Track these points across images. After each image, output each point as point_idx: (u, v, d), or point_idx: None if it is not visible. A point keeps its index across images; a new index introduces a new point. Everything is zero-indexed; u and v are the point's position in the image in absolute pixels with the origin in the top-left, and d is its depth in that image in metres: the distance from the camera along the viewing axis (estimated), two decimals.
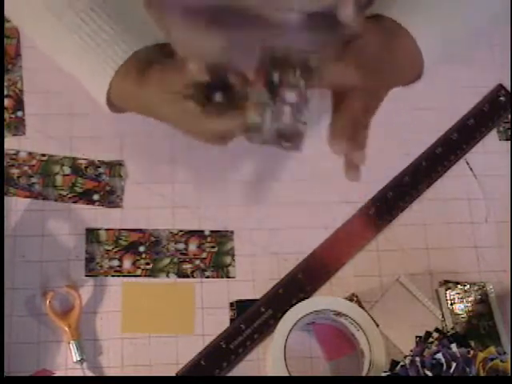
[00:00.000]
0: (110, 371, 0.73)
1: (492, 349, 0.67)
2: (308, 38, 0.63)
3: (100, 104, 0.68)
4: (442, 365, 0.66)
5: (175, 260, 0.77)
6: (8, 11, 0.71)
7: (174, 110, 0.64)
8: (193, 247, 0.78)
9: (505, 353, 0.68)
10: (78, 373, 0.72)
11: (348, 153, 0.65)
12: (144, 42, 0.66)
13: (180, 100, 0.63)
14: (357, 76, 0.64)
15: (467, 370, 0.66)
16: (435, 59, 0.71)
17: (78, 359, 0.72)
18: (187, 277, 0.77)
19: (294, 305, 0.73)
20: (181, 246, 0.78)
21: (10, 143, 0.80)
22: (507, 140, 0.85)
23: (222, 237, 0.79)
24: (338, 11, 0.62)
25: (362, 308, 0.75)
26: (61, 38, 0.66)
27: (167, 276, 0.77)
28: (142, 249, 0.77)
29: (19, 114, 0.81)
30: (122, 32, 0.65)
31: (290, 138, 0.62)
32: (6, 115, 0.80)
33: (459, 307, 0.77)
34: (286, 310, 0.72)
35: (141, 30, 0.67)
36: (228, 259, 0.78)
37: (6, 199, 0.77)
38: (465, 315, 0.77)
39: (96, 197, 0.79)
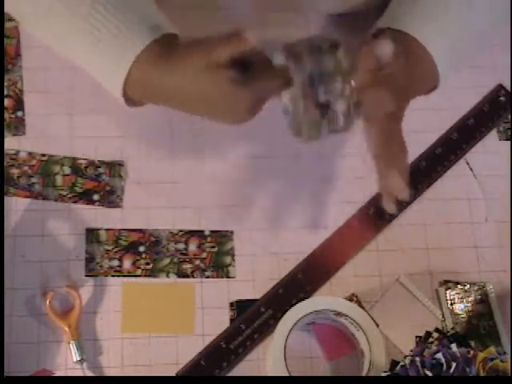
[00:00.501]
0: (110, 371, 0.73)
1: (492, 349, 0.67)
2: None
3: (115, 97, 0.67)
4: (441, 365, 0.66)
5: (175, 260, 0.77)
6: (13, 9, 0.71)
7: (213, 81, 0.63)
8: (193, 247, 0.78)
9: (505, 353, 0.68)
10: (78, 373, 0.72)
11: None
12: (160, 31, 0.65)
13: (219, 70, 0.63)
14: (395, 102, 0.65)
15: (467, 369, 0.66)
16: (448, 68, 0.71)
17: (78, 359, 0.72)
18: (187, 277, 0.77)
19: (294, 305, 0.73)
20: (181, 245, 0.78)
21: (10, 143, 0.80)
22: (507, 140, 0.85)
23: (221, 237, 0.79)
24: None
25: (362, 308, 0.75)
26: (73, 30, 0.65)
27: (167, 276, 0.77)
28: (142, 249, 0.77)
29: (19, 113, 0.81)
30: (138, 22, 0.65)
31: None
32: (6, 115, 0.80)
33: (459, 307, 0.77)
34: (286, 310, 0.72)
35: (156, 20, 0.66)
36: (228, 259, 0.78)
37: (6, 199, 0.77)
38: (465, 315, 0.77)
39: (96, 197, 0.79)
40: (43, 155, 0.80)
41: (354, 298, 0.77)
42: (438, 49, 0.70)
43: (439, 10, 0.71)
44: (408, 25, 0.70)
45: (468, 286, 0.78)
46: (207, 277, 0.77)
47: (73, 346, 0.72)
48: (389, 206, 0.69)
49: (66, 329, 0.73)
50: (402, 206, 0.81)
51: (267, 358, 0.74)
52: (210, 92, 0.64)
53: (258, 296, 0.77)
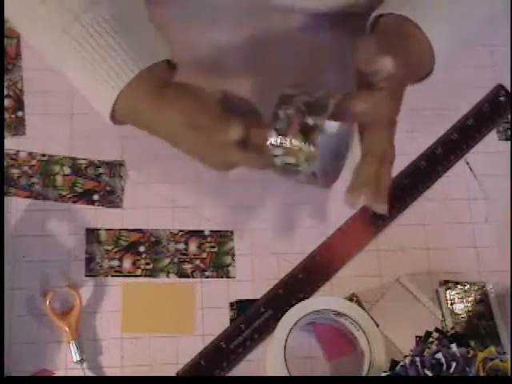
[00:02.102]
0: (110, 371, 0.73)
1: (492, 349, 0.67)
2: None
3: (103, 119, 0.68)
4: (441, 365, 0.66)
5: (175, 260, 0.77)
6: (12, 22, 0.71)
7: (198, 141, 0.65)
8: (193, 247, 0.78)
9: (505, 353, 0.68)
10: (78, 373, 0.72)
11: (369, 205, 0.68)
12: (151, 59, 0.65)
13: (204, 133, 0.64)
14: (392, 106, 0.67)
15: (467, 369, 0.66)
16: (446, 55, 0.71)
17: (78, 359, 0.72)
18: (187, 277, 0.77)
19: (294, 305, 0.73)
20: (181, 246, 0.78)
21: (10, 143, 0.80)
22: (507, 140, 0.85)
23: (222, 237, 0.79)
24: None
25: (362, 308, 0.75)
26: (66, 50, 0.65)
27: (167, 276, 0.77)
28: (142, 249, 0.77)
29: (19, 113, 0.81)
30: (129, 48, 0.64)
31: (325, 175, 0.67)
32: (6, 115, 0.80)
33: (459, 307, 0.77)
34: (286, 310, 0.72)
35: (148, 47, 0.66)
36: (228, 259, 0.78)
37: (6, 199, 0.77)
38: (465, 315, 0.77)
39: (96, 197, 0.79)
40: (43, 155, 0.80)
41: (354, 298, 0.77)
42: (437, 34, 0.69)
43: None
44: (408, 9, 0.69)
45: (468, 285, 0.78)
46: (207, 277, 0.77)
47: (73, 346, 0.72)
48: (378, 207, 0.69)
49: (66, 329, 0.73)
50: (402, 205, 0.81)
51: (267, 357, 0.74)
52: (194, 147, 0.66)
53: (258, 296, 0.77)
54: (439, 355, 0.66)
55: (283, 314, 0.72)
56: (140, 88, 0.64)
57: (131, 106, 0.65)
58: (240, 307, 0.76)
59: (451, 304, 0.77)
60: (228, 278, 0.77)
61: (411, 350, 0.69)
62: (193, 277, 0.77)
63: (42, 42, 0.67)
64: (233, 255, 0.78)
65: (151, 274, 0.77)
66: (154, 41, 0.67)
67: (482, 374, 0.66)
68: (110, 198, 0.79)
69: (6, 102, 0.81)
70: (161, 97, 0.64)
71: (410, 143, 0.83)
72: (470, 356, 0.66)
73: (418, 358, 0.67)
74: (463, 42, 0.74)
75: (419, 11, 0.69)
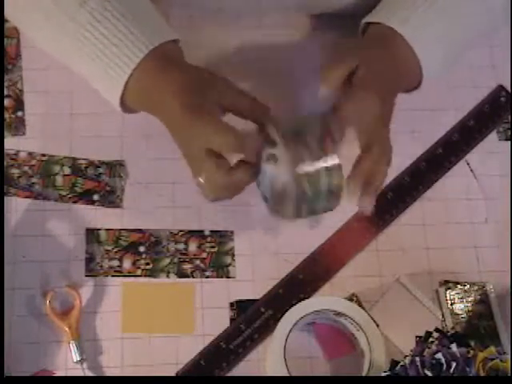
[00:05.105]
0: (110, 371, 0.73)
1: (492, 349, 0.67)
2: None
3: (112, 104, 0.67)
4: (441, 365, 0.66)
5: (175, 260, 0.77)
6: (12, 15, 0.71)
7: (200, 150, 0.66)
8: (193, 247, 0.78)
9: (505, 353, 0.68)
10: (78, 373, 0.72)
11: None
12: (159, 39, 0.65)
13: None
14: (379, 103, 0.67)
15: (467, 369, 0.66)
16: (436, 67, 0.71)
17: (78, 359, 0.72)
18: (187, 277, 0.77)
19: (294, 305, 0.73)
20: (181, 246, 0.78)
21: (10, 143, 0.80)
22: (507, 140, 0.85)
23: (221, 237, 0.79)
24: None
25: (362, 308, 0.75)
26: (72, 38, 0.65)
27: (167, 276, 0.77)
28: (142, 249, 0.77)
29: (19, 113, 0.81)
30: (137, 30, 0.65)
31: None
32: (6, 115, 0.80)
33: (459, 307, 0.77)
34: (286, 310, 0.72)
35: (155, 28, 0.66)
36: (228, 259, 0.78)
37: (6, 199, 0.77)
38: (465, 315, 0.77)
39: (96, 197, 0.79)
40: (43, 155, 0.80)
41: (354, 298, 0.77)
42: (424, 47, 0.70)
43: (428, 7, 0.71)
44: (395, 22, 0.70)
45: (468, 286, 0.78)
46: (207, 277, 0.77)
47: (73, 346, 0.72)
48: (364, 206, 0.69)
49: (66, 329, 0.73)
50: (402, 205, 0.81)
51: (267, 357, 0.74)
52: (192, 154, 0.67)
53: (258, 296, 0.77)
54: (439, 355, 0.66)
55: (283, 314, 0.72)
56: (149, 67, 0.64)
57: (142, 86, 0.65)
58: (240, 307, 0.76)
59: (451, 304, 0.77)
60: (228, 278, 0.77)
61: (411, 350, 0.69)
62: (193, 277, 0.77)
63: (47, 34, 0.67)
64: (233, 255, 0.78)
65: (151, 273, 0.77)
66: (160, 21, 0.68)
67: (482, 374, 0.66)
68: (110, 198, 0.79)
69: (6, 102, 0.81)
70: (169, 75, 0.65)
71: (411, 143, 0.83)
72: (470, 356, 0.66)
73: (418, 358, 0.67)
74: (453, 54, 0.74)
75: (406, 24, 0.70)
